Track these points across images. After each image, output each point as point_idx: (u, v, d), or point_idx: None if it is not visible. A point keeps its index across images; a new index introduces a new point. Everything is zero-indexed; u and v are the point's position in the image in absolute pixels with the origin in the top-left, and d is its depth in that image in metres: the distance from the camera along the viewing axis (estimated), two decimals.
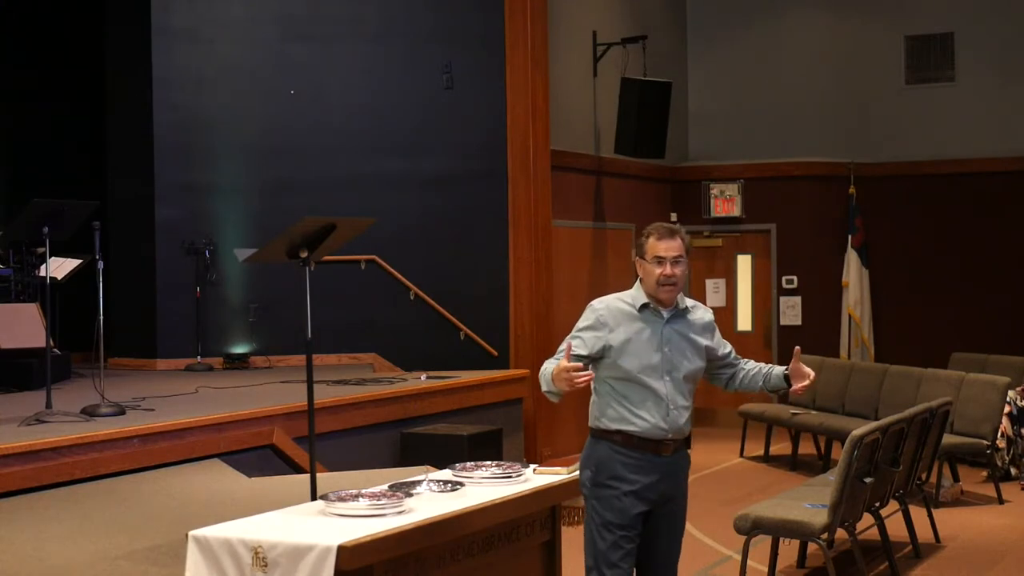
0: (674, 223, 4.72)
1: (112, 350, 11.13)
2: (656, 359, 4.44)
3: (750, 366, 4.74)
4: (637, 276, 4.57)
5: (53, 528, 5.70)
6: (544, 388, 4.40)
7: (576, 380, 4.20)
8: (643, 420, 4.41)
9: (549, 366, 4.39)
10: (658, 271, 4.43)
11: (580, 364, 4.28)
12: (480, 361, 10.80)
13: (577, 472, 4.95)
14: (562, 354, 4.39)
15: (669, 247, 4.45)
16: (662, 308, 4.49)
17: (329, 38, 11.35)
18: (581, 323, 4.52)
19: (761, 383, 4.68)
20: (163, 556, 5.20)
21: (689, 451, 4.63)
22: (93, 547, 5.37)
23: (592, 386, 4.48)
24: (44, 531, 5.65)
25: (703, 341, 4.58)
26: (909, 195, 13.43)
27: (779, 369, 4.66)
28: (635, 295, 4.52)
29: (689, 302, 4.61)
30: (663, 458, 4.47)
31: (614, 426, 4.44)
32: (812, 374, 4.57)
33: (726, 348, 4.72)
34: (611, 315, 4.47)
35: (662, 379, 4.43)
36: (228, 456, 7.41)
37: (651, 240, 4.48)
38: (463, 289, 11.03)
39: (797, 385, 4.56)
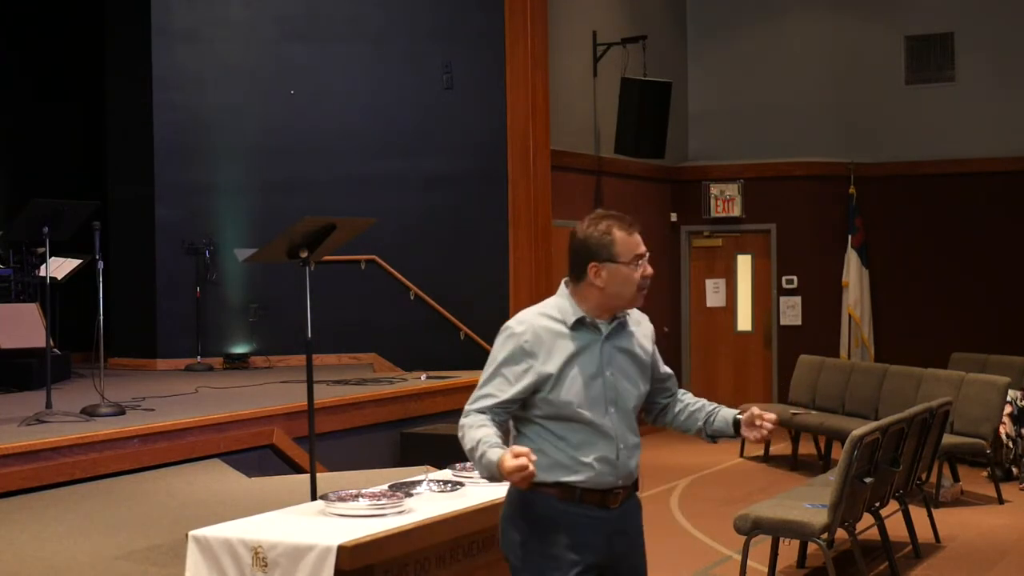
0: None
1: (112, 350, 11.13)
2: (597, 388, 3.49)
3: (689, 400, 3.79)
4: (564, 279, 3.61)
5: (53, 528, 5.70)
6: (481, 473, 3.42)
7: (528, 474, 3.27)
8: (587, 467, 3.46)
9: (486, 446, 3.36)
10: (639, 274, 3.51)
11: (527, 451, 3.28)
12: (480, 361, 10.74)
13: None
14: (492, 400, 3.47)
15: (642, 241, 3.57)
16: (601, 321, 3.54)
17: (329, 38, 11.35)
18: (499, 354, 3.51)
19: (701, 423, 3.73)
20: (163, 556, 5.20)
21: (638, 493, 3.68)
22: (93, 547, 5.37)
23: (513, 428, 3.57)
24: (44, 531, 5.65)
25: (646, 357, 3.66)
26: (909, 195, 13.43)
27: (728, 412, 3.73)
28: (564, 307, 3.53)
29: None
30: (611, 512, 3.51)
31: (551, 477, 3.44)
32: (772, 422, 3.64)
33: (666, 368, 3.78)
34: (537, 339, 3.47)
35: (606, 412, 3.49)
36: (228, 456, 7.41)
37: (620, 235, 3.51)
38: (463, 289, 11.04)
39: (751, 434, 3.65)
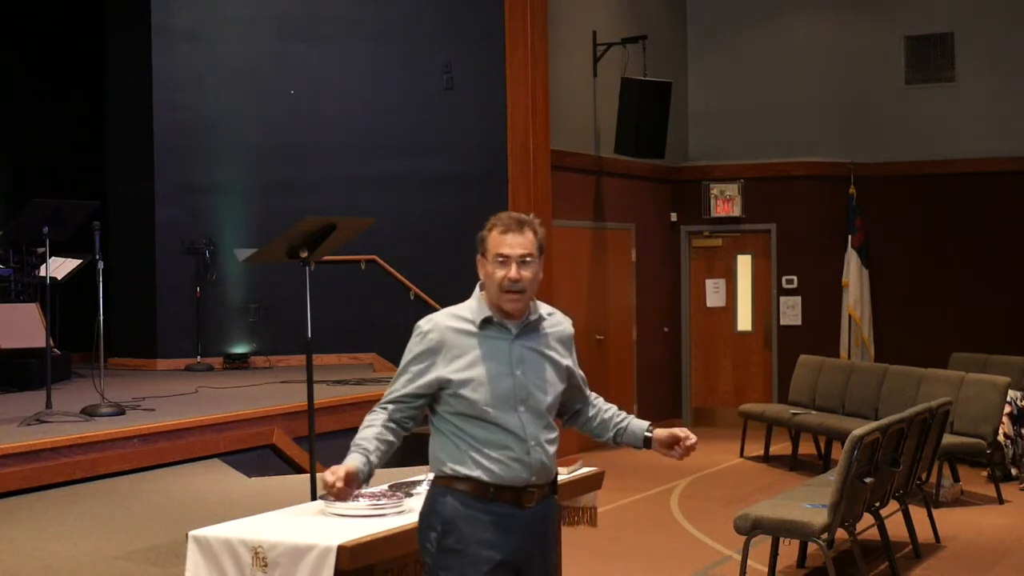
0: (527, 214, 3.64)
1: (112, 350, 11.14)
2: (506, 387, 3.51)
3: (602, 406, 3.85)
4: (479, 282, 3.66)
5: (53, 528, 5.71)
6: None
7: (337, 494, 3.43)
8: (499, 463, 3.48)
9: (353, 448, 3.53)
10: (500, 274, 3.51)
11: (346, 476, 3.40)
12: None
13: (577, 471, 4.94)
14: (394, 394, 3.59)
15: (515, 243, 3.52)
16: (509, 321, 3.58)
17: (329, 38, 11.36)
18: (408, 353, 3.60)
19: (612, 434, 3.80)
20: (163, 556, 5.21)
21: (556, 497, 3.68)
22: (93, 547, 5.37)
23: (430, 422, 3.62)
24: (44, 531, 5.65)
25: (563, 360, 3.67)
26: (909, 195, 13.42)
27: (638, 425, 3.80)
28: (475, 308, 3.60)
29: (545, 309, 3.70)
30: (526, 511, 3.52)
31: (462, 471, 3.49)
32: (690, 441, 3.74)
33: (581, 373, 3.81)
34: (444, 338, 3.55)
35: (515, 411, 3.51)
36: (228, 456, 7.42)
37: (493, 234, 3.54)
38: (463, 289, 10.99)
39: (671, 453, 3.76)
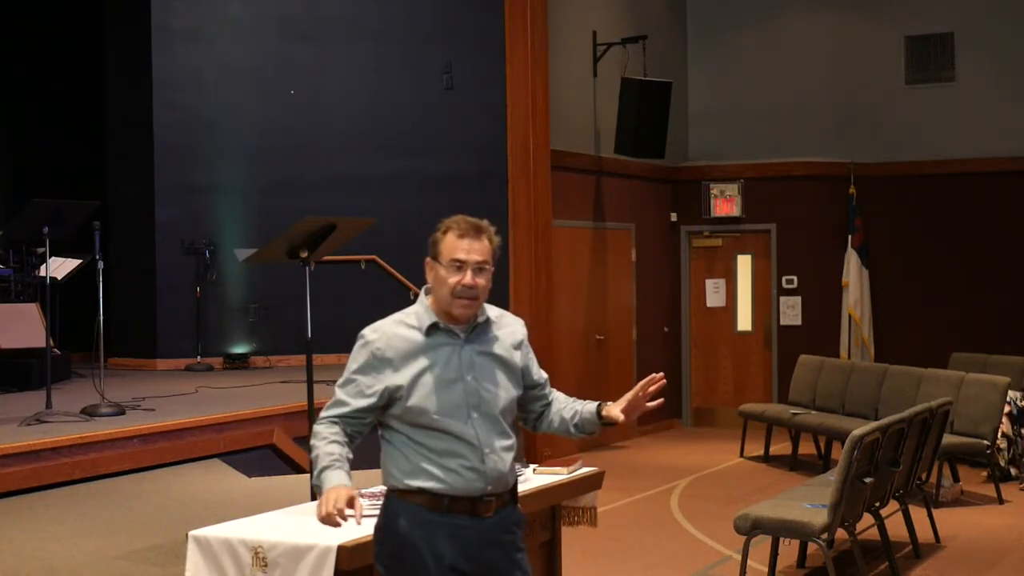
0: (483, 221, 3.54)
1: (112, 350, 11.14)
2: (457, 394, 3.41)
3: (560, 404, 3.72)
4: (425, 286, 3.55)
5: (53, 528, 5.71)
6: (314, 481, 3.40)
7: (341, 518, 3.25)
8: (452, 473, 3.38)
9: (327, 460, 3.36)
10: (454, 280, 3.41)
11: (351, 498, 3.25)
12: None
13: (577, 471, 4.95)
14: (345, 408, 3.47)
15: (472, 249, 3.43)
16: (456, 326, 3.47)
17: (329, 38, 11.36)
18: (353, 362, 3.49)
19: (573, 427, 3.67)
20: (163, 556, 5.21)
21: (518, 506, 3.59)
22: (93, 547, 5.38)
23: (379, 433, 3.52)
24: (44, 531, 5.65)
25: (517, 362, 3.57)
26: (909, 195, 13.42)
27: (591, 407, 3.65)
28: (420, 313, 3.49)
29: (493, 311, 3.58)
30: (484, 521, 3.41)
31: (415, 483, 3.39)
32: (652, 387, 3.56)
33: (542, 374, 3.70)
34: (391, 347, 3.44)
35: (468, 418, 3.40)
36: (228, 456, 7.42)
37: (450, 237, 3.46)
38: None
39: (634, 414, 3.60)
